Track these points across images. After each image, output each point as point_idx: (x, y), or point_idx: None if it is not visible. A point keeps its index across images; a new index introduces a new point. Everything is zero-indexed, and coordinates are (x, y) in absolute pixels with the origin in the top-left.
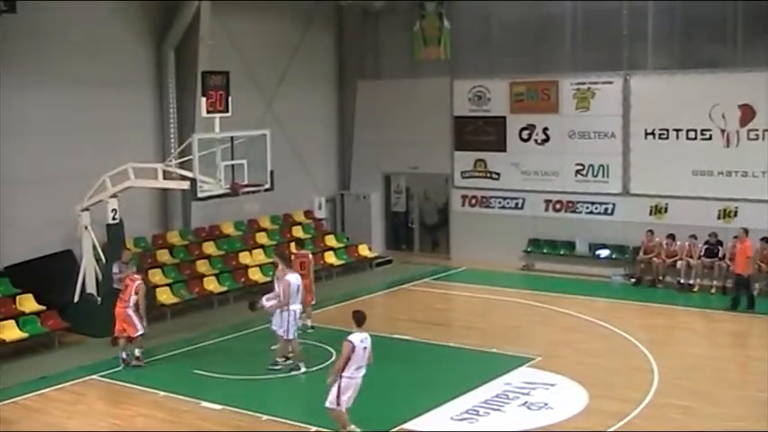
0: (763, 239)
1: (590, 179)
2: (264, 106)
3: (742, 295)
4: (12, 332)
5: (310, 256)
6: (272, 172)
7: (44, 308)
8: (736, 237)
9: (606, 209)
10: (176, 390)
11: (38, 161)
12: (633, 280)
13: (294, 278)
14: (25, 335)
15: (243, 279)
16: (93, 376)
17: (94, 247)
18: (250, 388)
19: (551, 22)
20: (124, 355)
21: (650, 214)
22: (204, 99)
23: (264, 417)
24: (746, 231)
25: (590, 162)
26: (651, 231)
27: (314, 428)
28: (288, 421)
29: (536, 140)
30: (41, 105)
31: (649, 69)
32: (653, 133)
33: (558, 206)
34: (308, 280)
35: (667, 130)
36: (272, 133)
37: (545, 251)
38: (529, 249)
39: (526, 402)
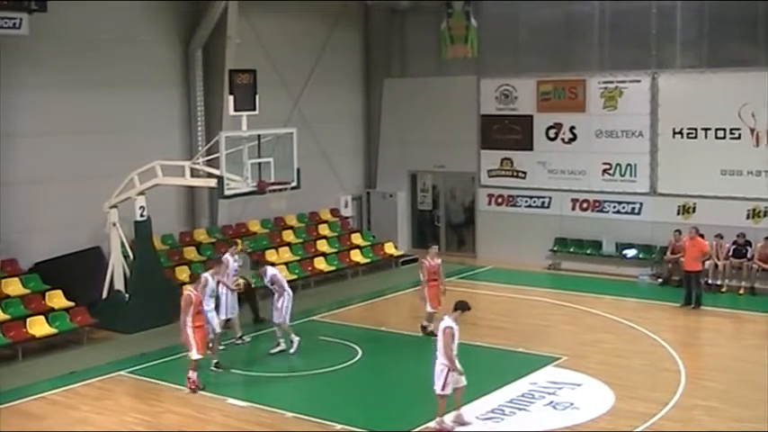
0: None
1: (617, 178)
2: (291, 104)
3: None
4: (41, 328)
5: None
6: (298, 170)
7: (73, 304)
8: (767, 238)
9: (633, 208)
10: (203, 387)
11: (67, 159)
12: (660, 280)
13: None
14: (54, 330)
15: None
16: (121, 372)
17: (122, 244)
18: (275, 385)
19: (579, 21)
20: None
21: (678, 214)
22: (231, 97)
23: (289, 414)
24: None
25: (617, 161)
26: (679, 231)
27: (339, 426)
28: (312, 418)
29: (563, 139)
30: (70, 104)
31: (677, 68)
32: (681, 132)
33: (584, 205)
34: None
35: (696, 130)
36: (299, 131)
37: (571, 250)
38: (555, 248)
39: (552, 402)
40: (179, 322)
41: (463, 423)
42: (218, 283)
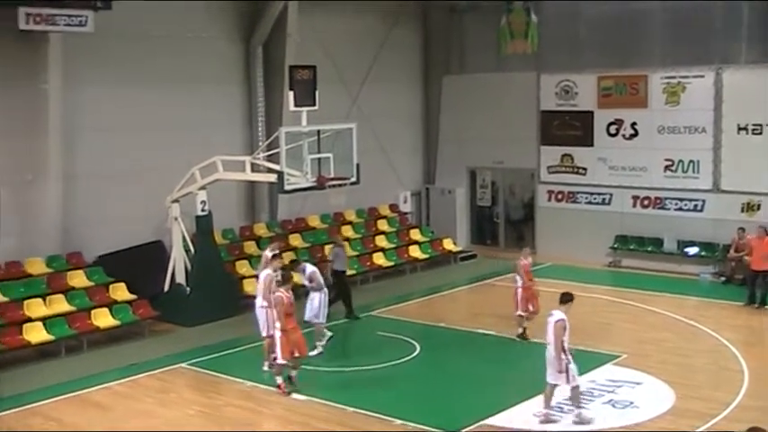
0: None
1: (679, 175)
2: (350, 101)
3: None
4: (105, 319)
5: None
6: (357, 165)
7: (135, 297)
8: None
9: (696, 205)
10: (262, 380)
11: (130, 154)
12: (723, 278)
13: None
14: (117, 322)
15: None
16: (182, 364)
17: (184, 238)
18: (334, 380)
19: (641, 16)
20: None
21: (742, 212)
22: (291, 93)
23: (350, 409)
24: None
25: (679, 158)
26: (743, 229)
27: (397, 422)
28: (371, 413)
29: (624, 135)
30: (133, 99)
31: (742, 63)
32: (745, 128)
33: (645, 202)
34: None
35: (761, 126)
36: (359, 127)
37: (632, 248)
38: (615, 246)
39: (611, 400)
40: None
41: (586, 421)
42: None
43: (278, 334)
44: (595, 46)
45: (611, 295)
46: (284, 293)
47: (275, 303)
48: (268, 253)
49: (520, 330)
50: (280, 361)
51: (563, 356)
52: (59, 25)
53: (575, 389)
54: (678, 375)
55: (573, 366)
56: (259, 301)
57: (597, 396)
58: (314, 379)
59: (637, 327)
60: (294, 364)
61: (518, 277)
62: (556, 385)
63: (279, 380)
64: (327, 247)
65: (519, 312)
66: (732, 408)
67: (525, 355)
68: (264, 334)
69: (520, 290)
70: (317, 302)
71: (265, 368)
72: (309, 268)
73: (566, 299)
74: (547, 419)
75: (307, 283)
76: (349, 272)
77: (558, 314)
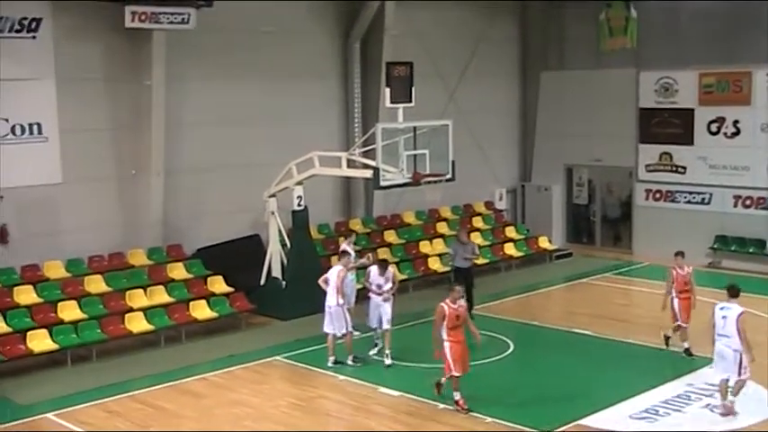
0: None
1: None
2: (447, 97)
3: None
4: (203, 311)
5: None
6: (453, 162)
7: (232, 289)
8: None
9: None
10: (356, 375)
11: (229, 149)
12: None
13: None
14: (215, 315)
15: (422, 268)
16: (277, 357)
17: (280, 232)
18: (426, 376)
19: (744, 9)
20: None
21: None
22: (388, 89)
23: (441, 405)
24: None
25: None
26: None
27: (489, 419)
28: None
29: (725, 134)
30: (233, 96)
31: None
32: None
33: (747, 202)
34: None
35: None
36: (455, 124)
37: (733, 249)
38: (715, 246)
39: (708, 405)
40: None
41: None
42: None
43: (447, 346)
44: (697, 41)
45: (711, 297)
46: (448, 304)
47: (436, 314)
48: (346, 246)
49: (686, 345)
50: (454, 374)
51: (740, 348)
52: (163, 23)
53: (741, 381)
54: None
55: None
56: (334, 300)
57: (695, 400)
58: (406, 374)
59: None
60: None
61: (667, 287)
62: (728, 378)
63: (457, 395)
64: (423, 244)
65: (681, 323)
66: None
67: (621, 355)
68: (341, 332)
69: (676, 300)
70: (389, 308)
71: (350, 362)
72: (390, 271)
73: (736, 292)
74: (728, 412)
75: (384, 284)
76: (443, 269)
77: (737, 307)
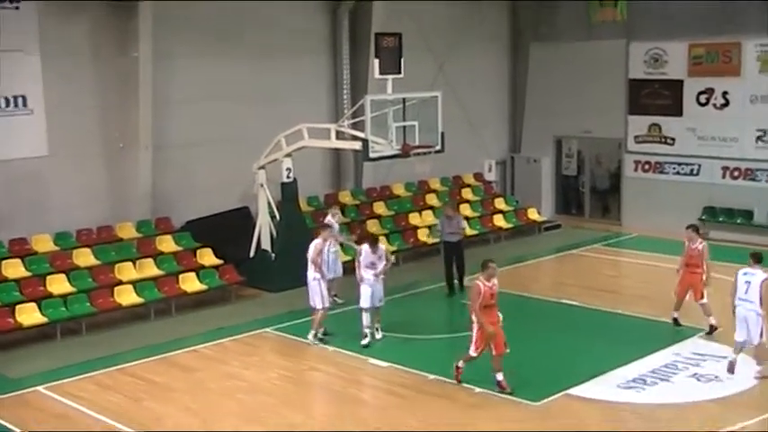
0: None
1: None
2: (436, 68)
3: None
4: (192, 284)
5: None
6: (442, 134)
7: (222, 262)
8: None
9: None
10: (345, 346)
11: (218, 123)
12: None
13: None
14: (204, 287)
15: (412, 239)
16: (267, 329)
17: (269, 204)
18: (416, 347)
19: None
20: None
21: None
22: (377, 60)
23: (431, 376)
24: None
25: None
26: None
27: (477, 389)
28: (453, 381)
29: (714, 105)
30: (221, 70)
31: None
32: None
33: (736, 173)
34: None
35: None
36: (444, 95)
37: (721, 220)
38: (703, 217)
39: (696, 374)
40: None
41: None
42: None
43: (475, 327)
44: (686, 13)
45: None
46: (483, 283)
47: (472, 292)
48: (330, 218)
49: (712, 321)
50: (472, 353)
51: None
52: None
53: (762, 345)
54: (766, 350)
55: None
56: (311, 273)
57: (682, 369)
58: (396, 346)
59: (724, 300)
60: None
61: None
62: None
63: (500, 376)
64: (412, 215)
65: (703, 301)
66: None
67: (609, 326)
68: (318, 307)
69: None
70: (380, 287)
71: (310, 338)
72: (382, 248)
73: (759, 257)
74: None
75: (378, 261)
76: (433, 240)
77: (761, 273)
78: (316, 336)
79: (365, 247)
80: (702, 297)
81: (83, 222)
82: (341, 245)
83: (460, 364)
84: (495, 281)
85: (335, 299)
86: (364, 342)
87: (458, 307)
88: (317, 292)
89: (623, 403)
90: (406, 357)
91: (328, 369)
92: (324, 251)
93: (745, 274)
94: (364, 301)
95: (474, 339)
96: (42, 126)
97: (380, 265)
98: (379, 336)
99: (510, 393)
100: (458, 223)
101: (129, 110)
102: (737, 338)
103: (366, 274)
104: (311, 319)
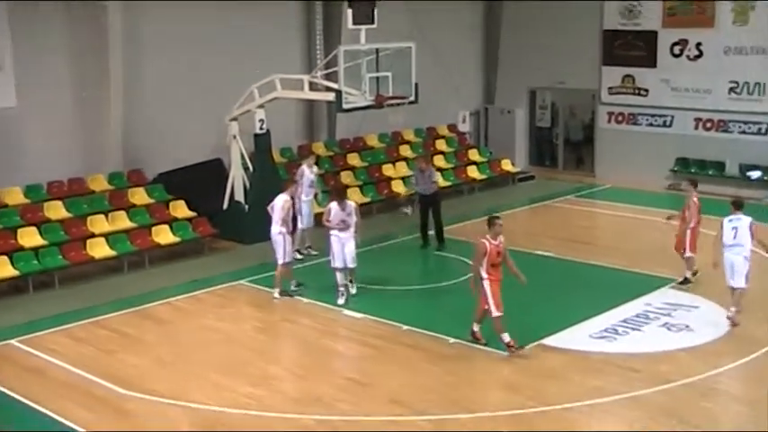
0: None
1: (744, 97)
2: (410, 19)
3: None
4: (165, 236)
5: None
6: (416, 85)
7: (195, 214)
8: None
9: (760, 128)
10: (320, 298)
11: (190, 73)
12: None
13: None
14: (177, 239)
15: (386, 191)
16: (242, 281)
17: (242, 156)
18: (390, 298)
19: None
20: None
21: None
22: (350, 11)
23: (405, 327)
24: None
25: (745, 80)
26: None
27: (452, 339)
28: (426, 332)
29: (688, 56)
30: (193, 19)
31: None
32: None
33: (708, 125)
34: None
35: None
36: (418, 46)
37: (693, 171)
38: (676, 169)
39: (666, 323)
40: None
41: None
42: (292, 200)
43: (486, 285)
44: None
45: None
46: (489, 240)
47: (476, 250)
48: (306, 168)
49: (690, 273)
50: (495, 314)
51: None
52: None
53: (743, 290)
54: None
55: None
56: (276, 228)
57: (653, 319)
58: (370, 297)
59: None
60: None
61: (692, 215)
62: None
63: (506, 337)
64: (386, 167)
65: (689, 254)
66: None
67: (582, 277)
68: (281, 261)
69: (690, 230)
70: (353, 246)
71: (276, 296)
72: (351, 204)
73: (741, 203)
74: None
75: (347, 218)
76: (408, 192)
77: (745, 217)
78: (282, 292)
79: (333, 206)
80: (690, 251)
81: (54, 175)
82: (315, 196)
83: (507, 339)
84: (501, 238)
85: (310, 250)
86: (340, 301)
87: (432, 258)
88: (282, 247)
89: (596, 353)
90: (380, 309)
91: (303, 321)
92: (295, 205)
93: (731, 220)
94: (337, 261)
95: (491, 299)
96: (10, 77)
97: (351, 222)
98: (353, 291)
99: (485, 344)
100: (429, 176)
101: (100, 60)
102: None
103: (338, 233)
104: (274, 274)
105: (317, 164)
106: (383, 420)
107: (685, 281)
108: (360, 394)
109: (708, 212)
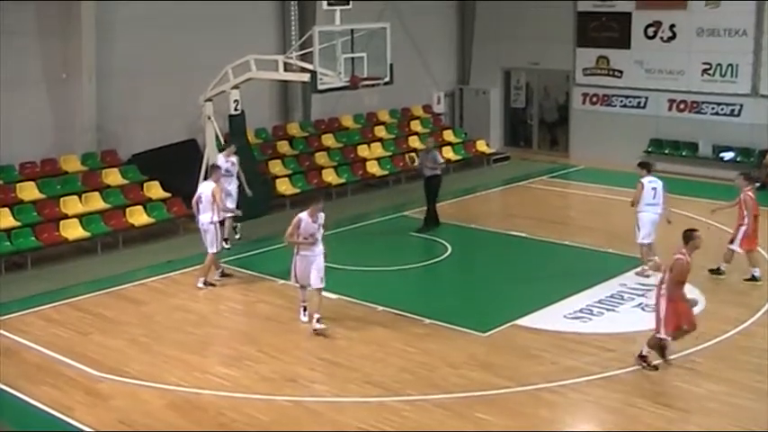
0: None
1: (717, 79)
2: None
3: None
4: (140, 217)
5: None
6: (391, 65)
7: (169, 195)
8: None
9: (733, 110)
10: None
11: (164, 53)
12: (758, 184)
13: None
14: (152, 220)
15: (361, 172)
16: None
17: (217, 137)
18: (364, 279)
19: None
20: None
21: None
22: None
23: (380, 308)
24: None
25: (718, 61)
26: None
27: (427, 321)
28: (401, 312)
29: (662, 38)
30: None
31: None
32: None
33: (681, 106)
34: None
35: None
36: (393, 27)
37: (666, 152)
38: (650, 150)
39: (641, 304)
40: None
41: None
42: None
43: (663, 304)
44: None
45: None
46: (685, 256)
47: (672, 268)
48: (222, 157)
49: (724, 266)
50: (661, 335)
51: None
52: None
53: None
54: (709, 280)
55: None
56: (208, 217)
57: (627, 299)
58: (345, 278)
59: (669, 231)
60: (675, 336)
61: (745, 212)
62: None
63: (646, 351)
64: (361, 148)
65: (735, 248)
66: (762, 313)
67: (557, 257)
68: (213, 251)
69: (745, 227)
70: (322, 263)
71: (200, 285)
72: (322, 215)
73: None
74: (658, 268)
75: (316, 231)
76: (382, 172)
77: (657, 179)
78: (206, 282)
79: (303, 216)
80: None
81: (26, 155)
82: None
83: (644, 351)
84: (685, 250)
85: (235, 230)
86: (303, 318)
87: (407, 239)
88: (214, 236)
89: (570, 333)
90: (354, 289)
91: (278, 301)
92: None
93: (651, 181)
94: (301, 280)
95: (664, 318)
96: None
97: (320, 236)
98: (319, 326)
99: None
100: (433, 158)
101: (72, 38)
102: (648, 240)
103: (305, 251)
104: (203, 265)
105: (290, 145)
106: (358, 401)
107: (718, 270)
108: (335, 375)
109: (682, 193)
